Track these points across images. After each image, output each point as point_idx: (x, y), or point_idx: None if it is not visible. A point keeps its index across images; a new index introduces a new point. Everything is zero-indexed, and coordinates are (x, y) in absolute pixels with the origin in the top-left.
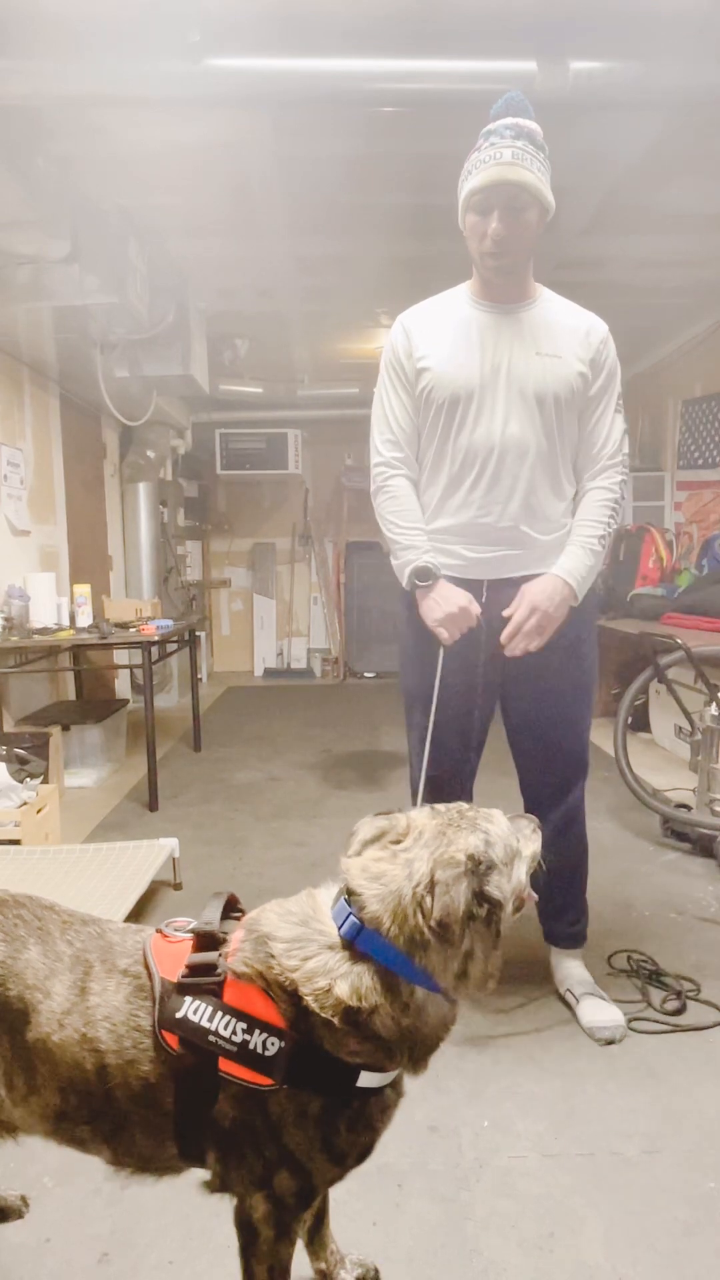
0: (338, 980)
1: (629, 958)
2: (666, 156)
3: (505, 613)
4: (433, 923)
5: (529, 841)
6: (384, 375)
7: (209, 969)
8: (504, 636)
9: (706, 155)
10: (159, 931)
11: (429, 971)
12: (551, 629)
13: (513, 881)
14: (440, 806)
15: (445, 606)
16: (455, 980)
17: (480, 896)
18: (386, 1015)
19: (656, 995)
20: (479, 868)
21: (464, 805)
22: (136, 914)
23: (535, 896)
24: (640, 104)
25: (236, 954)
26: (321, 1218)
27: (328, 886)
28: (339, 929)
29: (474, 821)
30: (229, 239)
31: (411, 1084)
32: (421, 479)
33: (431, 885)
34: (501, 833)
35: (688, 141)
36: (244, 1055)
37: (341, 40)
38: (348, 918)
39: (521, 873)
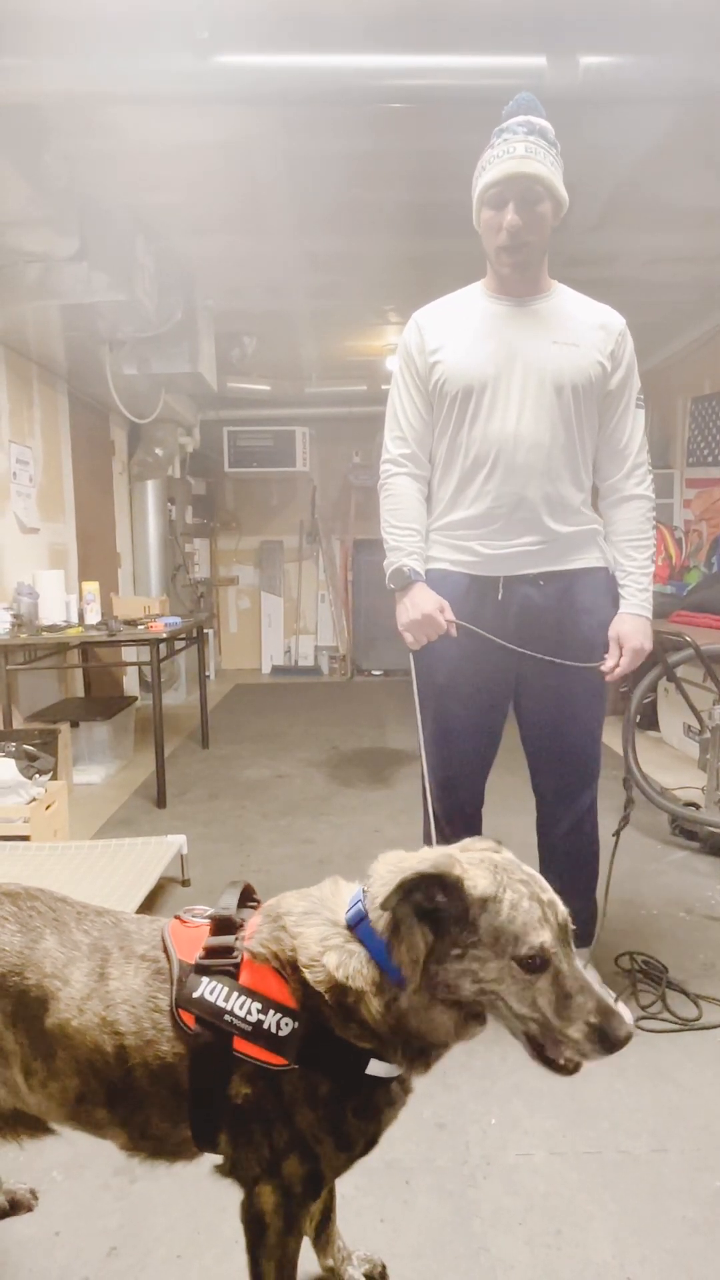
0: (329, 951)
1: (633, 957)
2: (676, 151)
3: (605, 667)
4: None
5: (561, 1008)
6: (397, 373)
7: (226, 951)
8: (614, 673)
9: (716, 150)
10: (177, 917)
11: (400, 968)
12: (645, 656)
13: (481, 954)
14: (530, 869)
15: (412, 612)
16: (415, 995)
17: (418, 896)
18: (371, 1006)
19: (649, 995)
20: (456, 892)
21: (544, 884)
22: (144, 910)
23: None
24: (650, 99)
25: (254, 936)
26: (328, 1214)
27: (361, 881)
28: (347, 913)
29: (511, 878)
30: (237, 236)
31: (419, 1081)
32: (436, 474)
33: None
34: (520, 920)
35: (698, 136)
36: (258, 1035)
37: (350, 37)
38: (356, 904)
39: (502, 984)
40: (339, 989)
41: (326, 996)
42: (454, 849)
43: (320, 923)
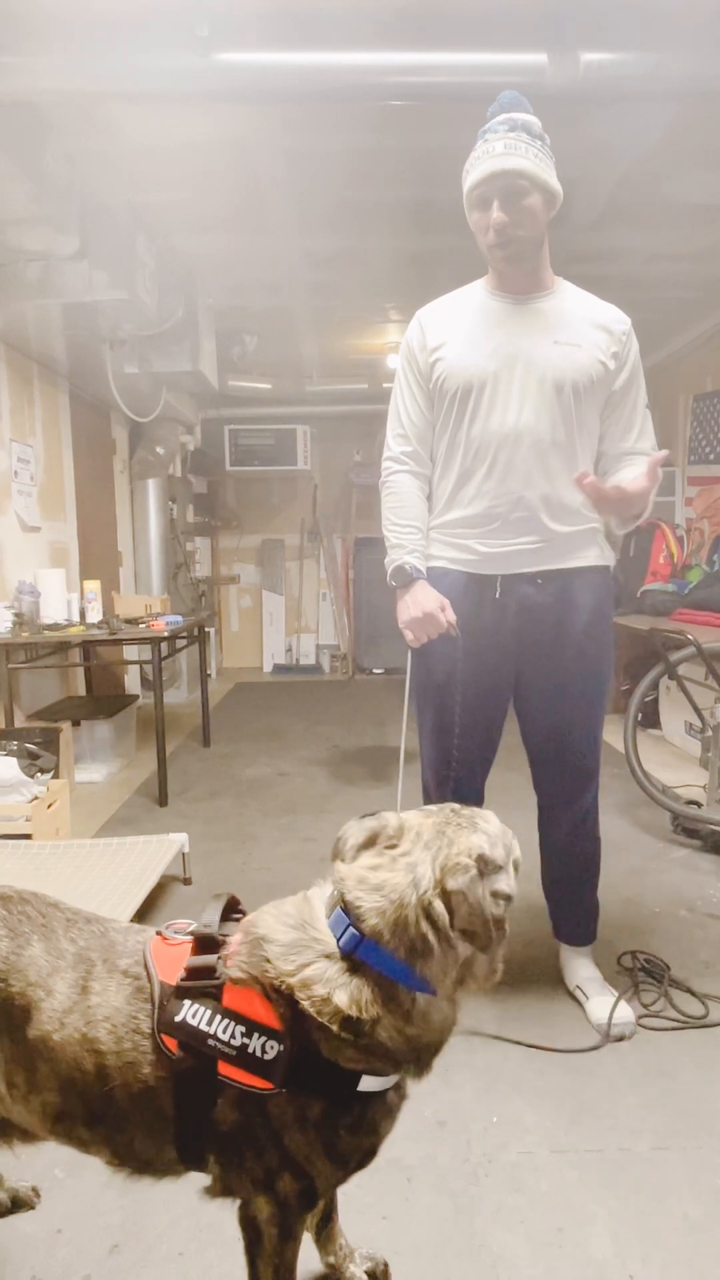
0: (336, 990)
1: (635, 955)
2: (678, 148)
3: (613, 483)
4: (456, 929)
5: (513, 847)
6: (399, 371)
7: (208, 972)
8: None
9: (718, 147)
10: (159, 934)
11: (428, 980)
12: (641, 503)
13: (511, 881)
14: (431, 807)
15: (413, 610)
16: (455, 986)
17: (496, 895)
18: (390, 1027)
19: (652, 995)
20: (487, 868)
21: (455, 805)
22: (146, 908)
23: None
24: (651, 95)
25: (234, 958)
26: (330, 1213)
27: (320, 887)
28: (337, 940)
29: (472, 820)
30: (237, 234)
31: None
32: (435, 471)
33: (444, 893)
34: (498, 831)
35: (699, 133)
36: (243, 1059)
37: (350, 34)
38: (346, 929)
39: (512, 874)
40: (351, 1020)
41: (334, 1028)
42: (360, 835)
43: (314, 957)
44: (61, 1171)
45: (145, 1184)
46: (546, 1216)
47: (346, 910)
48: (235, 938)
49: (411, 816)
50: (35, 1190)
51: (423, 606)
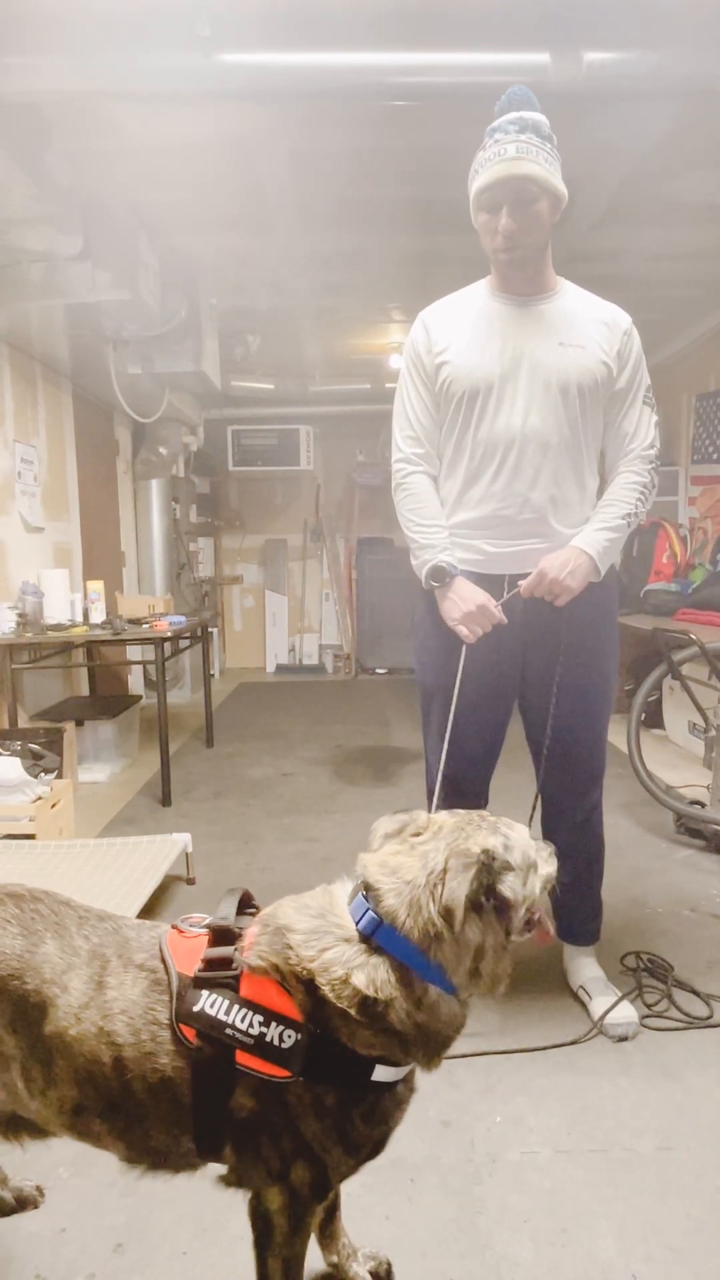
0: (354, 971)
1: (639, 956)
2: (680, 148)
3: (521, 584)
4: (438, 908)
5: (546, 863)
6: (404, 372)
7: (225, 963)
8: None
9: None
10: (174, 927)
11: (442, 966)
12: (565, 596)
13: (526, 889)
14: (461, 811)
15: (464, 606)
16: (468, 978)
17: (489, 891)
18: (401, 1009)
19: (653, 993)
20: (493, 863)
21: (485, 812)
22: (150, 908)
23: (553, 936)
24: (654, 94)
25: (253, 947)
26: (333, 1211)
27: (343, 883)
28: (357, 924)
29: (494, 825)
30: (240, 234)
31: (424, 1079)
32: (441, 473)
33: (444, 874)
34: (521, 841)
35: (702, 132)
36: (261, 1048)
37: (353, 33)
38: (366, 913)
39: (536, 887)
40: (368, 1002)
41: (352, 1011)
42: (390, 826)
43: (334, 942)
44: (66, 1170)
45: (159, 1180)
46: (550, 1216)
47: (367, 895)
48: (252, 930)
49: (440, 815)
50: (40, 1189)
51: (473, 601)
